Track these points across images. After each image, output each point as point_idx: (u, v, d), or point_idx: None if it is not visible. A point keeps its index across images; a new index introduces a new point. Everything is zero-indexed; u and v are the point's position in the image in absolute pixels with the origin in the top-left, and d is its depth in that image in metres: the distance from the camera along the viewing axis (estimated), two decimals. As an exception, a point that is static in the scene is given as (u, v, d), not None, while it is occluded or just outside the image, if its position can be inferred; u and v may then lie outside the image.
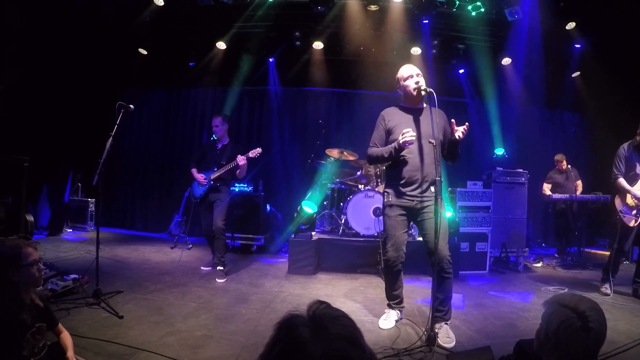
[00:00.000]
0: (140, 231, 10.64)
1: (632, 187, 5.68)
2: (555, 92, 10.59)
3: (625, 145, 5.83)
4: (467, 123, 3.99)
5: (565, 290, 5.93)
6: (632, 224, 5.66)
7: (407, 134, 3.77)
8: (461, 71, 10.35)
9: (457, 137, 3.94)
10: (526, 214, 8.16)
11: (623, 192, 5.78)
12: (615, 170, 5.82)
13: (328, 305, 1.16)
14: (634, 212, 5.65)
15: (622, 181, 5.76)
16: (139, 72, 10.33)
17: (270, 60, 10.28)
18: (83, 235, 9.33)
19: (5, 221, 7.49)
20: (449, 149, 4.16)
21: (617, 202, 5.85)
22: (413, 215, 4.15)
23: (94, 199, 9.78)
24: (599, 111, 10.03)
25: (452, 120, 3.97)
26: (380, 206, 6.77)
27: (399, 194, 4.10)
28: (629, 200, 5.70)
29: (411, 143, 3.84)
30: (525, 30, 8.76)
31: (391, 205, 4.14)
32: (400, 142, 3.80)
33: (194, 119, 10.95)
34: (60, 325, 3.04)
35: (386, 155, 4.09)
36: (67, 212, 9.96)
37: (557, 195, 8.23)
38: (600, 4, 8.01)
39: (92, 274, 4.95)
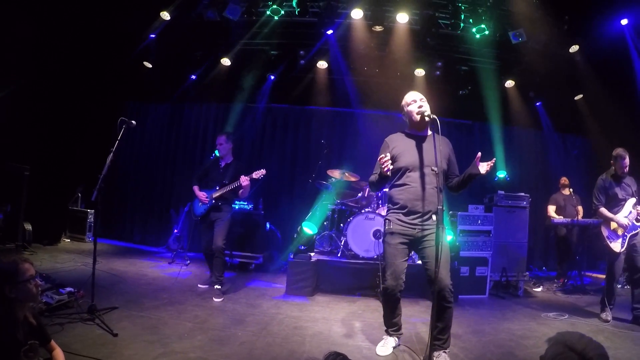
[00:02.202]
0: (138, 244, 10.61)
1: (617, 213, 5.85)
2: (558, 115, 10.64)
3: (603, 176, 6.07)
4: (494, 158, 3.95)
5: (566, 317, 5.90)
6: (618, 249, 5.78)
7: (385, 160, 3.76)
8: (462, 92, 10.29)
9: (481, 173, 3.87)
10: (527, 237, 8.10)
11: (607, 220, 5.91)
12: (595, 202, 6.04)
13: (344, 357, 1.18)
14: (620, 237, 5.80)
15: (603, 210, 5.94)
16: (144, 85, 10.38)
17: (274, 78, 10.33)
18: (81, 246, 9.29)
19: (3, 229, 7.48)
20: (463, 181, 4.06)
21: (603, 229, 5.97)
22: (414, 243, 4.08)
23: (93, 210, 9.75)
24: (601, 134, 10.00)
25: (479, 153, 3.88)
26: (381, 228, 6.75)
27: (400, 222, 4.05)
28: (613, 225, 5.86)
29: (389, 170, 3.81)
30: (529, 52, 8.81)
31: (392, 233, 4.08)
32: (384, 169, 3.78)
33: (196, 134, 10.99)
34: (53, 342, 3.02)
35: (375, 182, 4.10)
36: (66, 221, 9.94)
37: (558, 220, 8.22)
38: (604, 27, 8.06)
39: (88, 287, 4.88)
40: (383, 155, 3.79)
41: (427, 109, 4.07)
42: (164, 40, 9.24)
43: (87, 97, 9.75)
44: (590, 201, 8.32)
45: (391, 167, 3.83)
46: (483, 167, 3.86)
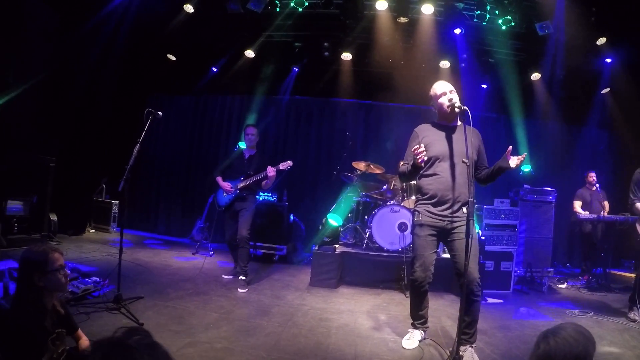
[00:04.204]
0: (162, 234, 10.70)
1: None
2: (584, 109, 10.44)
3: None
4: (525, 153, 3.91)
5: (590, 314, 5.78)
6: None
7: (420, 151, 3.66)
8: (484, 86, 10.22)
9: (512, 167, 3.84)
10: (552, 233, 7.97)
11: None
12: (631, 196, 5.76)
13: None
14: None
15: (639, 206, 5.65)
16: (167, 78, 10.45)
17: (297, 70, 10.31)
18: (105, 236, 9.39)
19: (29, 220, 7.58)
20: (492, 174, 4.02)
21: (638, 227, 5.71)
22: (443, 235, 4.05)
23: (117, 201, 9.85)
24: (629, 129, 9.82)
25: (510, 147, 3.84)
26: (406, 221, 6.72)
27: (430, 214, 4.01)
28: None
29: (423, 161, 3.74)
30: (556, 45, 8.65)
31: (421, 225, 4.05)
32: (418, 160, 3.70)
33: (220, 126, 11.01)
34: (79, 331, 3.03)
35: (407, 172, 4.04)
36: (91, 212, 10.05)
37: (584, 216, 8.05)
38: (633, 19, 7.87)
39: (114, 277, 4.95)
40: (417, 145, 3.72)
41: (457, 100, 4.01)
42: (187, 32, 9.24)
43: (111, 89, 9.82)
44: (616, 197, 8.20)
45: (425, 158, 3.76)
46: (513, 161, 3.82)
